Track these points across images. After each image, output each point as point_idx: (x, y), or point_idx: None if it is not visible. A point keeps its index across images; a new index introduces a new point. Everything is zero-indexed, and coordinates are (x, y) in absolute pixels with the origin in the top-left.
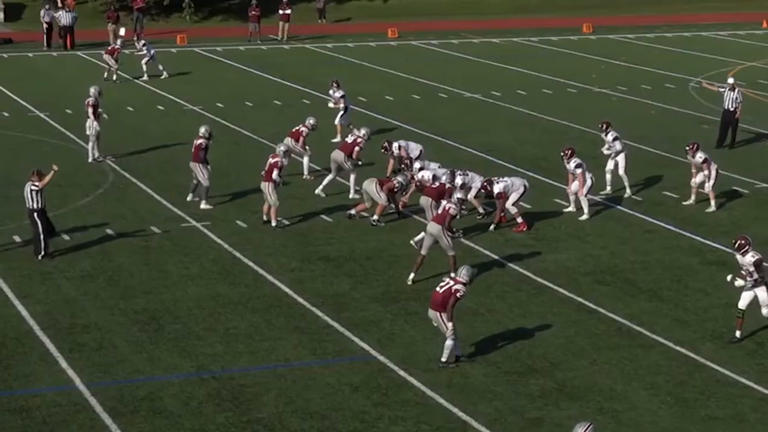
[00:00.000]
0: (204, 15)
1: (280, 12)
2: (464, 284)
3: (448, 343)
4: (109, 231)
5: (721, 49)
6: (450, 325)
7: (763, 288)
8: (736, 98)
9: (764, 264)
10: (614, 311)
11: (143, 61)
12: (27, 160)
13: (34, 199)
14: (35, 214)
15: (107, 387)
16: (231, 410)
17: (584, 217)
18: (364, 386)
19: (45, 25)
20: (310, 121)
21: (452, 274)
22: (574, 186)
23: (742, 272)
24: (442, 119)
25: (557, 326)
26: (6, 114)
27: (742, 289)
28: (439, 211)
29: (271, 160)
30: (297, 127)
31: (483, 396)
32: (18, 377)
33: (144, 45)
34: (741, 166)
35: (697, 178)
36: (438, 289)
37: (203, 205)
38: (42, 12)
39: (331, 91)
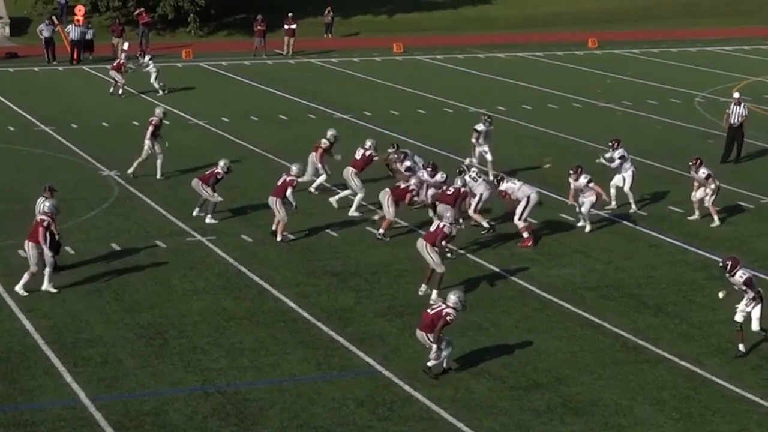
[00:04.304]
0: (209, 29)
1: (286, 27)
2: (455, 309)
3: (433, 360)
4: (114, 245)
5: (727, 64)
6: (435, 347)
7: (759, 305)
8: (741, 113)
9: (755, 280)
10: (619, 326)
11: (154, 78)
12: (32, 175)
13: None
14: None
15: (112, 401)
16: (236, 425)
17: (588, 228)
18: (369, 401)
19: (44, 40)
20: (330, 132)
21: (424, 286)
22: (588, 201)
23: (735, 289)
24: (448, 134)
25: (562, 341)
26: (11, 128)
27: (735, 302)
28: (432, 229)
29: (286, 178)
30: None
31: (488, 411)
32: (23, 391)
33: (150, 59)
34: (746, 181)
35: (698, 193)
36: (428, 310)
37: (209, 219)
38: (41, 26)
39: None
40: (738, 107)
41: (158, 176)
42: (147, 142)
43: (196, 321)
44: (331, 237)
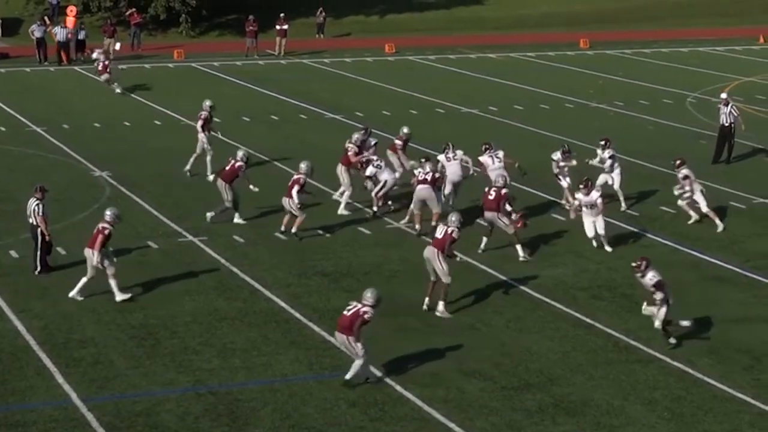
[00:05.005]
0: (201, 30)
1: (277, 27)
2: (372, 307)
3: (358, 362)
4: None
5: (718, 64)
6: (359, 345)
7: (665, 307)
8: (732, 113)
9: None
10: (611, 326)
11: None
12: (23, 175)
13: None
14: (38, 230)
15: (104, 402)
16: (227, 425)
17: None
18: (360, 401)
19: (35, 40)
20: (355, 135)
21: (427, 299)
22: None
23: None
24: (440, 134)
25: (554, 341)
26: (2, 129)
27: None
28: (439, 235)
29: (294, 176)
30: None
31: (479, 411)
32: (14, 392)
33: (102, 53)
34: (738, 182)
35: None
36: (345, 312)
37: (236, 219)
38: (33, 27)
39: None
40: (726, 108)
41: (208, 174)
42: (200, 136)
43: (188, 321)
44: (323, 238)
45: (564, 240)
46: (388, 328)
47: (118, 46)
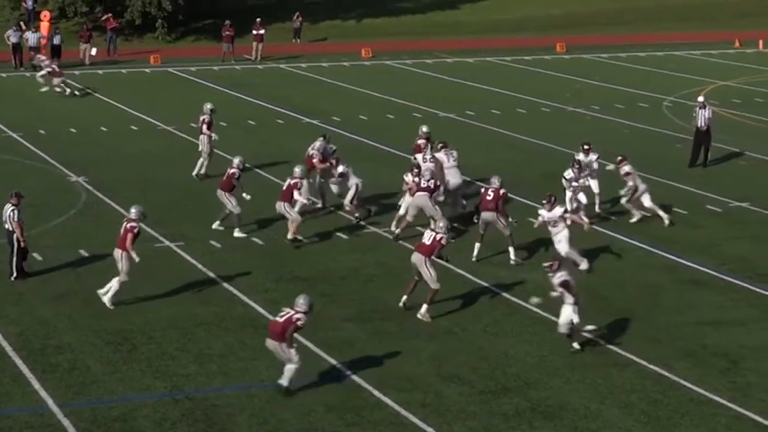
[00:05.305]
0: (177, 35)
1: (254, 32)
2: (304, 313)
3: (291, 367)
4: (82, 251)
5: (694, 68)
6: (293, 351)
7: (570, 308)
8: (708, 116)
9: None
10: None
11: (41, 74)
12: None
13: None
14: (14, 236)
15: (81, 408)
16: (204, 431)
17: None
18: (338, 406)
19: (11, 46)
20: (317, 143)
21: (405, 297)
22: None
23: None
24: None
25: (531, 345)
26: None
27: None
28: (427, 241)
29: (290, 181)
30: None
31: (457, 416)
32: None
33: (49, 63)
34: (714, 185)
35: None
36: (278, 318)
37: (237, 233)
38: (8, 32)
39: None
40: (703, 111)
41: (194, 173)
42: (201, 138)
43: (165, 327)
44: (294, 243)
45: (540, 244)
46: (365, 333)
47: (94, 51)
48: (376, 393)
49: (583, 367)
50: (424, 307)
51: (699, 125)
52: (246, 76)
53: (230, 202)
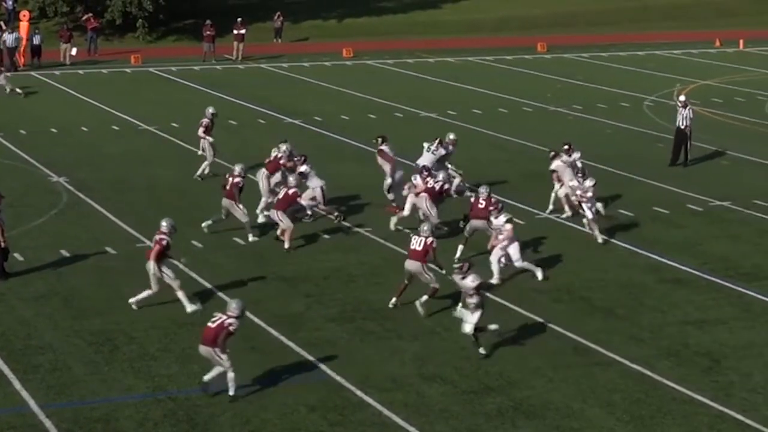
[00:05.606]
0: (158, 35)
1: (235, 32)
2: (236, 318)
3: (230, 375)
4: (63, 252)
5: (675, 67)
6: (225, 357)
7: (479, 311)
8: (688, 116)
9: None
10: (570, 329)
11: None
12: None
13: None
14: None
15: (62, 409)
16: (187, 431)
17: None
18: (320, 406)
19: None
20: (283, 147)
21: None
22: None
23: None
24: (398, 138)
25: (514, 345)
26: None
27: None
28: (418, 247)
29: (287, 191)
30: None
31: (440, 415)
32: None
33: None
34: (695, 185)
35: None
36: (210, 324)
37: (251, 237)
38: None
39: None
40: (684, 110)
41: (196, 175)
42: (202, 143)
43: (147, 327)
44: (282, 242)
45: (523, 244)
46: (348, 332)
47: (74, 51)
48: (358, 393)
49: (566, 366)
50: (425, 297)
51: (679, 125)
52: (227, 76)
53: (239, 211)
